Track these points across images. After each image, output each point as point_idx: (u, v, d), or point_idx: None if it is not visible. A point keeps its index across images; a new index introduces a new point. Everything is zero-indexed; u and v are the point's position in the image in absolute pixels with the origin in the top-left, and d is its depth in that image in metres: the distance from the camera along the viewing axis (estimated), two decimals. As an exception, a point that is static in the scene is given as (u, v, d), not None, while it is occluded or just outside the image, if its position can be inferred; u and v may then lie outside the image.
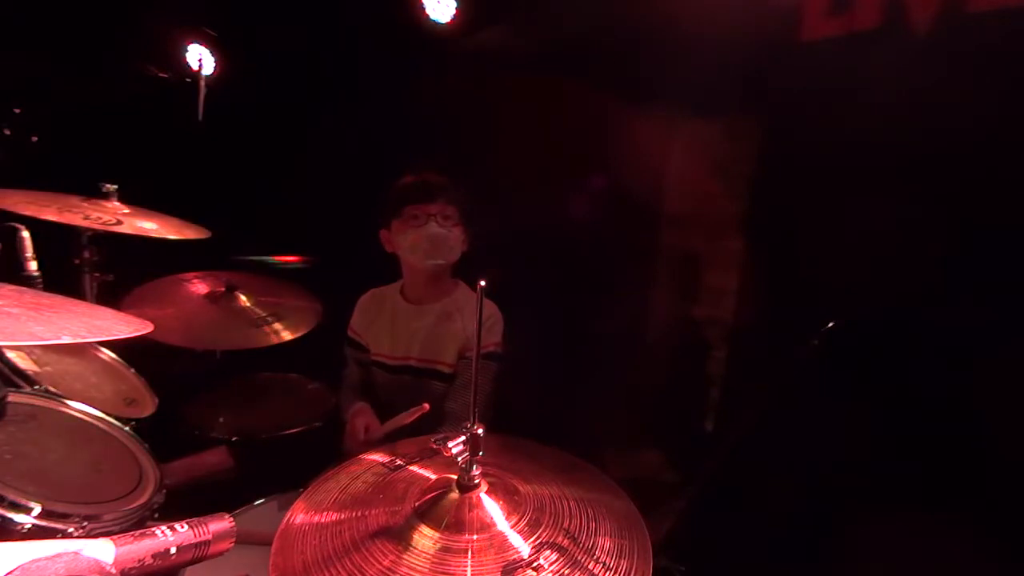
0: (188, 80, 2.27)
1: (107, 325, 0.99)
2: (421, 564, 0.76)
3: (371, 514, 0.85)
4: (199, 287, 1.94)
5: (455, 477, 0.87)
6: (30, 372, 1.36)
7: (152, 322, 1.08)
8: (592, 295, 1.96)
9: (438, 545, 0.79)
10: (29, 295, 1.02)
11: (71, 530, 1.01)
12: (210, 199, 2.16)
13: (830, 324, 1.31)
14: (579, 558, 0.78)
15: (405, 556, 0.77)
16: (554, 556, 0.78)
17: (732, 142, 1.64)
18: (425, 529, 0.81)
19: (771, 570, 1.51)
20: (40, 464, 1.12)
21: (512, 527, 0.82)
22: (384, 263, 1.84)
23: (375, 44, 2.38)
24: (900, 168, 1.31)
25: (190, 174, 2.44)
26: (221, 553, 0.65)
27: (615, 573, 0.77)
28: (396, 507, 0.86)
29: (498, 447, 0.97)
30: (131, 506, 1.13)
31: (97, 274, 1.75)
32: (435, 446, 0.84)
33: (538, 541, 0.80)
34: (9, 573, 0.49)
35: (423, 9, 2.11)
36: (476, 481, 0.86)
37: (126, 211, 1.67)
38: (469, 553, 0.78)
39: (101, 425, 1.30)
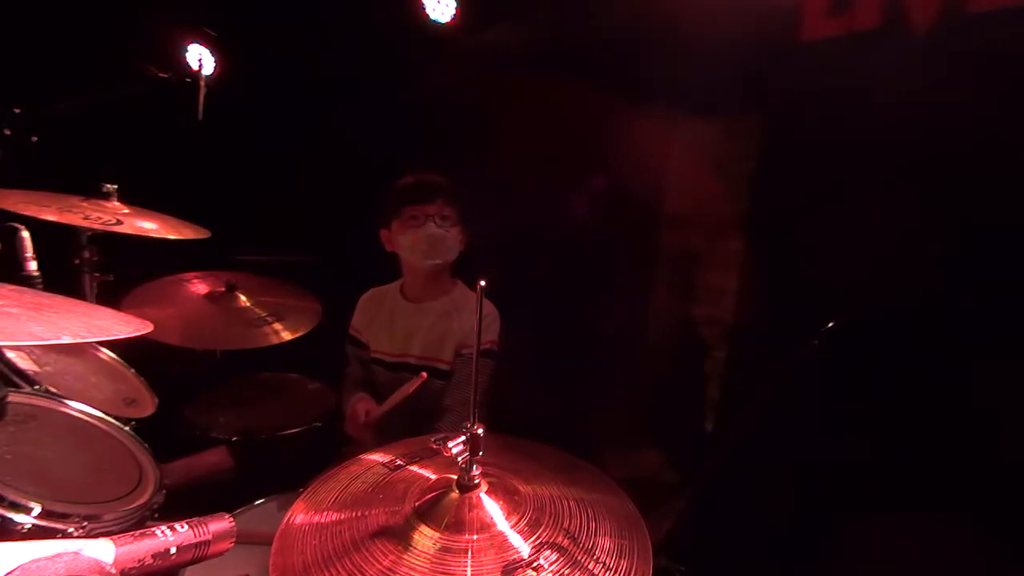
0: (188, 80, 2.27)
1: (107, 325, 0.99)
2: (421, 564, 0.76)
3: (371, 514, 0.85)
4: (199, 287, 1.94)
5: (455, 477, 0.87)
6: (30, 372, 1.36)
7: (152, 322, 1.08)
8: (592, 295, 1.96)
9: (438, 545, 0.79)
10: (29, 295, 1.02)
11: (71, 530, 1.01)
12: (210, 199, 2.16)
13: (830, 324, 1.31)
14: (579, 558, 0.78)
15: (405, 556, 0.77)
16: (554, 556, 0.78)
17: (732, 142, 1.64)
18: (425, 529, 0.81)
19: (771, 570, 1.51)
20: (40, 464, 1.12)
21: (512, 527, 0.82)
22: (384, 263, 1.85)
23: (375, 44, 2.38)
24: (900, 168, 1.31)
25: (190, 174, 2.43)
26: (221, 553, 0.65)
27: (615, 573, 0.77)
28: (396, 507, 0.86)
29: (498, 447, 0.97)
30: (131, 506, 1.13)
31: (97, 274, 1.75)
32: (435, 446, 0.84)
33: (538, 541, 0.80)
34: (9, 573, 0.49)
35: (423, 9, 2.11)
36: (476, 481, 0.86)
37: (126, 211, 1.67)
38: (469, 553, 0.78)
39: (101, 425, 1.30)
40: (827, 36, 1.39)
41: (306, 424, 1.87)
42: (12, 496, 0.98)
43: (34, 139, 1.86)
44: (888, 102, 1.29)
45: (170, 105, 2.31)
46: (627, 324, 1.88)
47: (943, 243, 1.24)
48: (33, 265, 1.46)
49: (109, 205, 1.67)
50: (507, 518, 0.83)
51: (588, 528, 0.84)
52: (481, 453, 0.85)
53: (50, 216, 1.47)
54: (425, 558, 0.77)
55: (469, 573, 0.75)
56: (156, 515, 1.20)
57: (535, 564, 0.76)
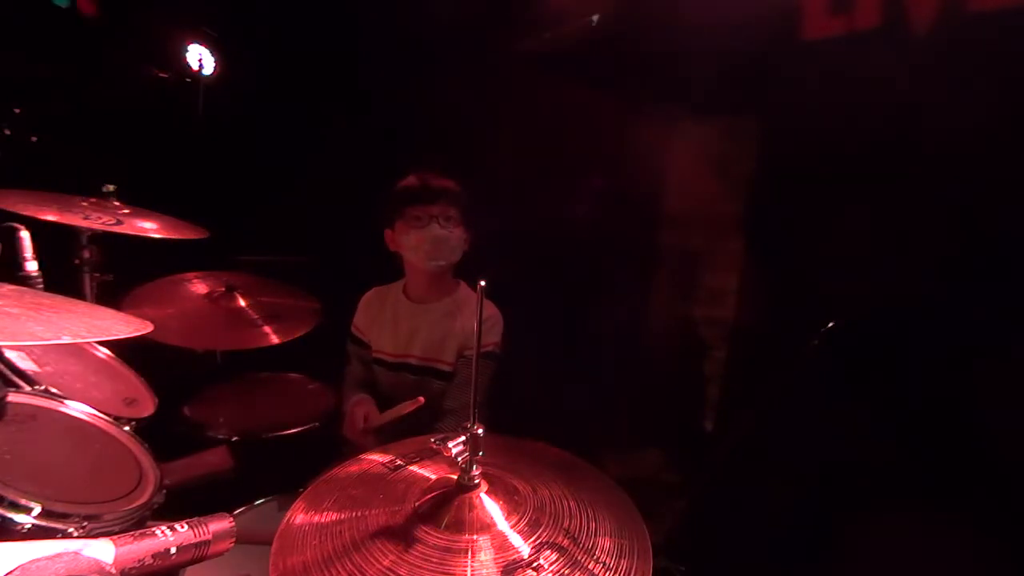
0: (188, 80, 2.27)
1: (107, 325, 0.99)
2: (421, 564, 0.76)
3: (371, 514, 0.85)
4: (199, 287, 1.94)
5: (455, 477, 0.87)
6: (30, 372, 1.36)
7: (152, 322, 1.08)
8: (592, 295, 1.96)
9: (438, 545, 0.79)
10: (29, 295, 1.02)
11: (71, 530, 1.01)
12: (210, 199, 2.16)
13: (830, 324, 1.31)
14: (579, 558, 0.78)
15: (405, 556, 0.77)
16: (554, 556, 0.78)
17: (732, 142, 1.64)
18: (425, 529, 0.81)
19: (771, 570, 1.51)
20: (40, 464, 1.12)
21: (512, 527, 0.82)
22: (384, 262, 1.84)
23: (375, 43, 2.38)
24: (900, 168, 1.31)
25: (190, 174, 2.44)
26: (221, 553, 0.65)
27: (615, 573, 0.77)
28: (396, 507, 0.86)
29: (498, 447, 0.97)
30: (131, 506, 1.12)
31: (97, 274, 1.75)
32: (435, 446, 0.84)
33: (538, 541, 0.80)
34: (9, 573, 0.49)
35: (423, 8, 2.11)
36: (476, 481, 0.86)
37: (126, 211, 1.67)
38: (469, 553, 0.78)
39: (101, 425, 1.30)
40: (827, 36, 1.39)
41: (306, 424, 1.87)
42: (12, 496, 0.98)
43: (34, 139, 1.86)
44: (888, 102, 1.29)
45: (170, 105, 2.32)
46: (627, 324, 1.88)
47: (943, 243, 1.24)
48: (33, 265, 1.46)
49: (109, 205, 1.67)
50: (507, 518, 0.83)
51: (588, 528, 0.84)
52: (481, 453, 0.85)
53: (50, 216, 1.47)
54: (425, 558, 0.77)
55: (469, 573, 0.75)
56: (155, 515, 1.20)
57: (535, 564, 0.76)
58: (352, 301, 1.94)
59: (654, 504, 1.01)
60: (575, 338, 1.99)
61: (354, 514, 0.85)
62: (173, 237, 1.69)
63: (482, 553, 0.78)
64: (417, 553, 0.78)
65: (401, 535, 0.81)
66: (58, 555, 0.53)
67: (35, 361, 1.41)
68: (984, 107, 1.18)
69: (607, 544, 0.82)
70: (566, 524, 0.84)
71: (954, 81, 1.20)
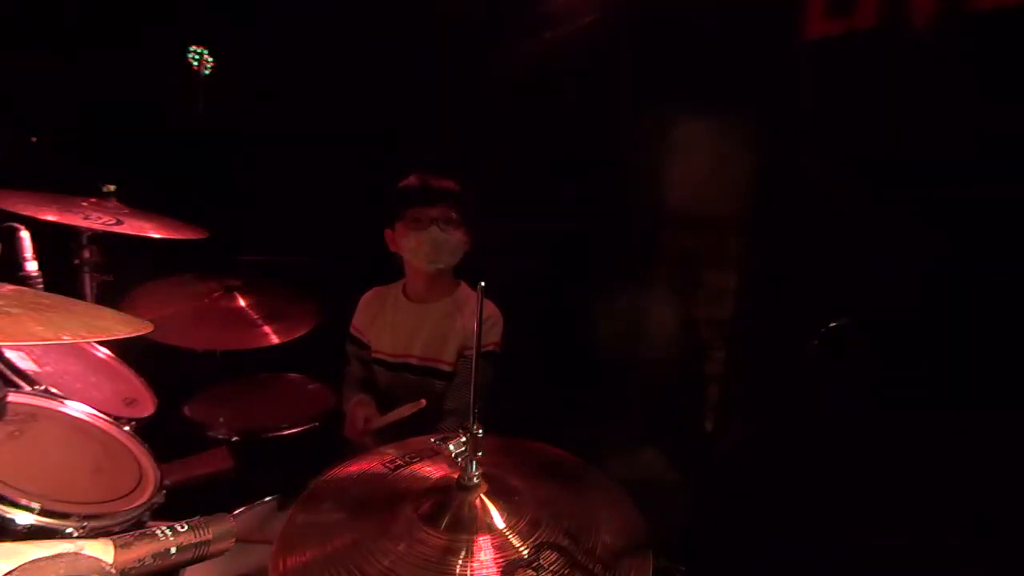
0: (188, 80, 2.27)
1: (107, 325, 0.99)
2: (421, 564, 0.76)
3: (371, 514, 0.85)
4: (199, 287, 1.94)
5: (455, 477, 0.87)
6: (30, 372, 1.36)
7: (152, 322, 1.08)
8: (592, 295, 1.96)
9: (438, 545, 0.79)
10: (29, 295, 1.02)
11: (71, 530, 1.01)
12: (210, 199, 2.16)
13: (830, 324, 1.31)
14: (579, 558, 0.78)
15: (405, 556, 0.77)
16: (554, 556, 0.78)
17: (732, 142, 1.64)
18: (425, 529, 0.81)
19: (771, 570, 1.51)
20: (40, 464, 1.12)
21: (512, 527, 0.82)
22: (384, 263, 1.84)
23: (375, 43, 2.38)
24: (900, 168, 1.31)
25: (190, 174, 2.43)
26: (221, 553, 0.65)
27: (615, 573, 0.77)
28: (396, 507, 0.86)
29: (498, 447, 0.97)
30: (131, 506, 1.12)
31: (97, 274, 1.75)
32: (435, 446, 0.85)
33: (538, 541, 0.80)
34: (9, 573, 0.49)
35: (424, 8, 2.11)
36: (476, 481, 0.86)
37: (126, 211, 1.68)
38: (469, 553, 0.78)
39: (101, 425, 1.30)
40: (827, 36, 1.39)
41: (306, 424, 1.87)
42: (12, 496, 0.98)
43: (34, 139, 1.87)
44: (888, 101, 1.29)
45: (170, 105, 2.32)
46: (627, 324, 1.88)
47: (944, 243, 1.24)
48: (33, 265, 1.46)
49: (109, 205, 1.67)
50: (507, 518, 0.83)
51: (588, 528, 0.84)
52: (481, 453, 0.86)
53: (50, 216, 1.47)
54: (425, 558, 0.77)
55: (469, 573, 0.75)
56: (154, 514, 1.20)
57: (535, 564, 0.76)
58: (352, 301, 1.94)
59: (654, 504, 1.01)
60: (575, 338, 1.99)
61: (354, 514, 0.85)
62: (173, 237, 1.69)
63: (482, 553, 0.78)
64: (417, 553, 0.78)
65: (401, 535, 0.81)
66: (58, 555, 0.52)
67: (35, 361, 1.41)
68: (984, 107, 1.18)
69: (607, 544, 0.82)
70: (566, 524, 0.84)
71: (954, 81, 1.20)
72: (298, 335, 1.88)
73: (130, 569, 0.57)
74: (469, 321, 1.74)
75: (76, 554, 0.54)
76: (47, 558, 0.52)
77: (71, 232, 1.68)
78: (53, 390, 1.32)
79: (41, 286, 1.45)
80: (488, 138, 2.10)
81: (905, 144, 1.29)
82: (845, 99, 1.36)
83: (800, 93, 1.46)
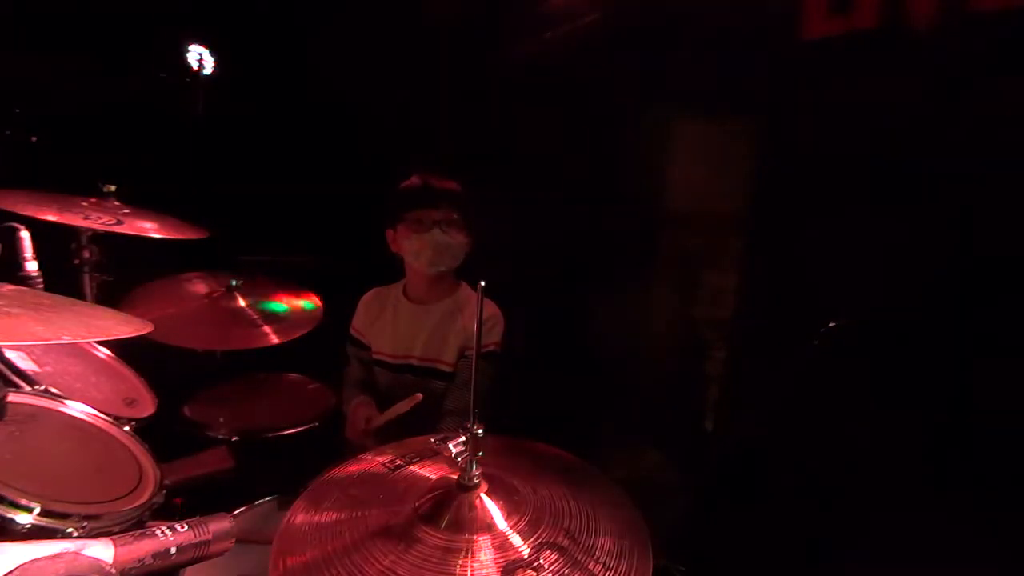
0: (188, 80, 2.27)
1: (107, 325, 0.99)
2: (421, 564, 0.76)
3: (371, 514, 0.85)
4: (199, 287, 1.94)
5: (455, 477, 0.87)
6: (30, 372, 1.36)
7: (152, 322, 1.08)
8: (593, 295, 1.96)
9: (438, 545, 0.79)
10: (29, 295, 1.02)
11: (71, 530, 1.01)
12: (210, 199, 2.16)
13: (830, 324, 1.31)
14: (579, 558, 0.78)
15: (405, 556, 0.77)
16: (554, 556, 0.78)
17: (732, 142, 1.64)
18: (425, 529, 0.81)
19: (771, 570, 1.51)
20: (40, 464, 1.12)
21: (512, 527, 0.82)
22: (384, 263, 1.84)
23: (376, 43, 2.38)
24: (900, 168, 1.31)
25: (190, 174, 2.44)
26: (221, 553, 0.65)
27: (615, 573, 0.77)
28: (396, 507, 0.86)
29: (498, 447, 0.97)
30: (131, 506, 1.12)
31: (97, 274, 1.75)
32: (435, 446, 0.85)
33: (538, 541, 0.80)
34: (9, 573, 0.49)
35: (424, 8, 2.11)
36: (476, 481, 0.86)
37: (126, 211, 1.67)
38: (469, 553, 0.78)
39: (101, 425, 1.30)
40: (827, 36, 1.39)
41: (306, 424, 1.87)
42: (12, 496, 0.98)
43: (34, 139, 1.87)
44: (888, 101, 1.29)
45: (170, 105, 2.32)
46: (627, 324, 1.88)
47: (943, 243, 1.24)
48: (33, 265, 1.46)
49: (109, 205, 1.67)
50: (507, 518, 0.83)
51: (588, 528, 0.84)
52: (481, 453, 0.86)
53: (50, 216, 1.47)
54: (425, 558, 0.77)
55: (469, 573, 0.75)
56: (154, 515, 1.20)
57: (535, 564, 0.76)
58: (352, 301, 1.94)
59: (654, 504, 1.01)
60: (575, 338, 1.99)
61: (354, 514, 0.86)
62: (173, 237, 1.68)
63: (482, 553, 0.78)
64: (417, 553, 0.78)
65: (401, 535, 0.81)
66: (58, 555, 0.53)
67: (35, 361, 1.41)
68: (984, 107, 1.18)
69: (607, 544, 0.82)
70: (566, 524, 0.84)
71: (953, 81, 1.20)
72: (298, 335, 1.88)
73: (130, 569, 0.57)
74: (470, 322, 1.74)
75: (76, 554, 0.54)
76: (47, 558, 0.52)
77: (71, 232, 1.68)
78: (53, 390, 1.32)
79: (41, 286, 1.45)
80: (488, 138, 2.10)
81: (905, 144, 1.29)
82: (845, 99, 1.36)
83: (800, 93, 1.46)
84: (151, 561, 0.58)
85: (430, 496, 0.87)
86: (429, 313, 1.79)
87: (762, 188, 1.60)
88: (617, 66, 1.81)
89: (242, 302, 1.92)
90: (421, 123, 2.31)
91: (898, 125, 1.28)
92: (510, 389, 1.74)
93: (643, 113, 1.75)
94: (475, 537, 0.80)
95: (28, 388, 1.29)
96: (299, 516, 0.86)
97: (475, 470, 0.86)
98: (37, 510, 0.99)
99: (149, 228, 1.65)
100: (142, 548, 0.58)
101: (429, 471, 0.95)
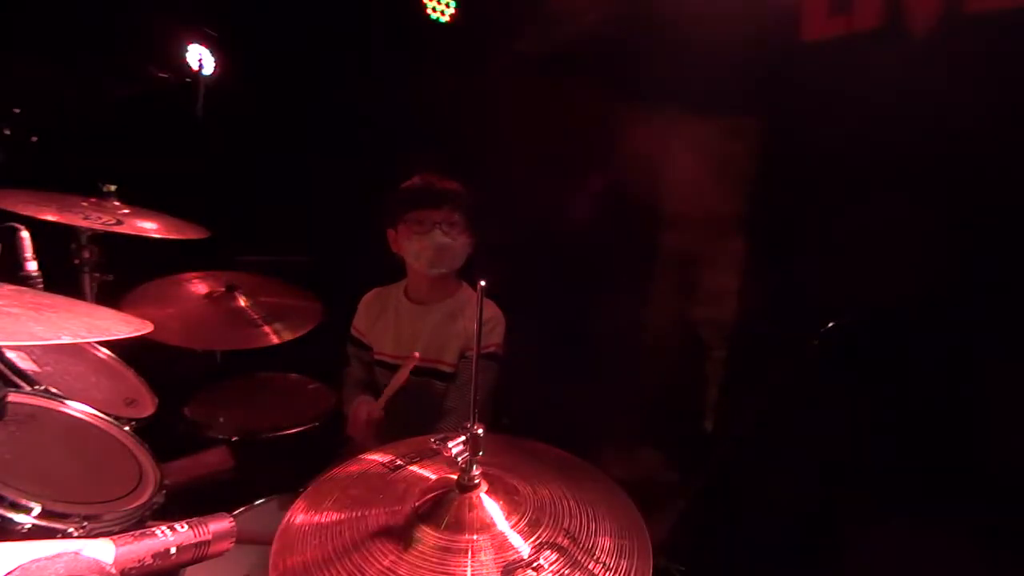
0: (188, 80, 2.27)
1: (107, 325, 0.99)
2: (421, 564, 0.76)
3: (371, 514, 0.85)
4: (199, 287, 1.94)
5: (455, 477, 0.87)
6: (30, 372, 1.36)
7: (152, 322, 1.08)
8: (592, 296, 1.96)
9: (438, 545, 0.79)
10: (29, 295, 1.02)
11: (71, 530, 1.01)
12: (210, 199, 2.16)
13: (830, 324, 1.31)
14: (579, 558, 0.78)
15: (405, 556, 0.77)
16: (554, 556, 0.78)
17: (732, 142, 1.64)
18: (425, 529, 0.81)
19: (771, 570, 1.51)
20: (40, 464, 1.12)
21: (512, 527, 0.82)
22: (384, 263, 1.84)
23: (376, 44, 2.38)
24: (900, 168, 1.31)
25: (190, 174, 2.44)
26: (221, 553, 0.65)
27: (615, 573, 0.77)
28: (396, 507, 0.86)
29: (498, 447, 0.97)
30: (131, 506, 1.12)
31: (97, 274, 1.75)
32: (435, 446, 0.85)
33: (538, 541, 0.80)
34: (9, 573, 0.49)
35: (424, 8, 2.11)
36: (476, 481, 0.86)
37: (126, 211, 1.67)
38: (469, 553, 0.78)
39: (101, 425, 1.30)
40: (827, 36, 1.39)
41: (306, 424, 1.87)
42: (12, 496, 0.98)
43: (34, 139, 1.87)
44: (888, 102, 1.29)
45: (170, 105, 2.32)
46: (627, 324, 1.88)
47: (943, 243, 1.24)
48: (33, 265, 1.46)
49: (109, 205, 1.67)
50: (507, 518, 0.83)
51: (588, 528, 0.84)
52: (481, 453, 0.85)
53: (50, 216, 1.47)
54: (425, 558, 0.77)
55: (469, 573, 0.75)
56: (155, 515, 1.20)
57: (535, 564, 0.76)
58: (352, 301, 1.94)
59: (654, 504, 1.01)
60: (575, 338, 1.99)
61: (354, 514, 0.85)
62: (173, 237, 1.68)
63: (482, 553, 0.78)
64: (417, 553, 0.78)
65: (401, 535, 0.81)
66: (58, 555, 0.53)
67: (35, 361, 1.41)
68: (984, 107, 1.18)
69: (607, 544, 0.82)
70: (566, 524, 0.84)
71: (953, 81, 1.20)
72: (299, 335, 1.88)
73: (130, 569, 0.57)
74: (471, 323, 1.74)
75: (76, 554, 0.54)
76: (47, 558, 0.52)
77: (71, 232, 1.68)
78: (53, 390, 1.32)
79: (41, 286, 1.45)
80: (488, 138, 2.10)
81: (905, 144, 1.29)
82: (845, 99, 1.36)
83: (800, 93, 1.46)
84: (151, 561, 0.58)
85: (430, 496, 0.87)
86: (430, 314, 1.79)
87: (762, 188, 1.60)
88: (618, 66, 1.81)
89: (242, 302, 1.92)
90: (422, 123, 2.31)
91: (898, 125, 1.28)
92: (510, 389, 1.74)
93: (643, 113, 1.75)
94: (475, 537, 0.80)
95: (28, 388, 1.29)
96: (299, 516, 0.86)
97: (475, 470, 0.86)
98: (37, 510, 0.99)
99: (149, 228, 1.65)
100: (142, 548, 0.58)
101: (429, 471, 0.95)
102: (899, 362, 1.32)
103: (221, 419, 1.85)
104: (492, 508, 0.84)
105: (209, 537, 0.63)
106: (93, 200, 1.66)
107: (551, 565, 0.76)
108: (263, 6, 2.55)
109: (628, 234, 1.89)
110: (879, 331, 1.33)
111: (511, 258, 1.82)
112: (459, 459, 0.84)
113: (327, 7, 2.44)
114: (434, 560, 0.77)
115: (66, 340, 0.86)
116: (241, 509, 1.44)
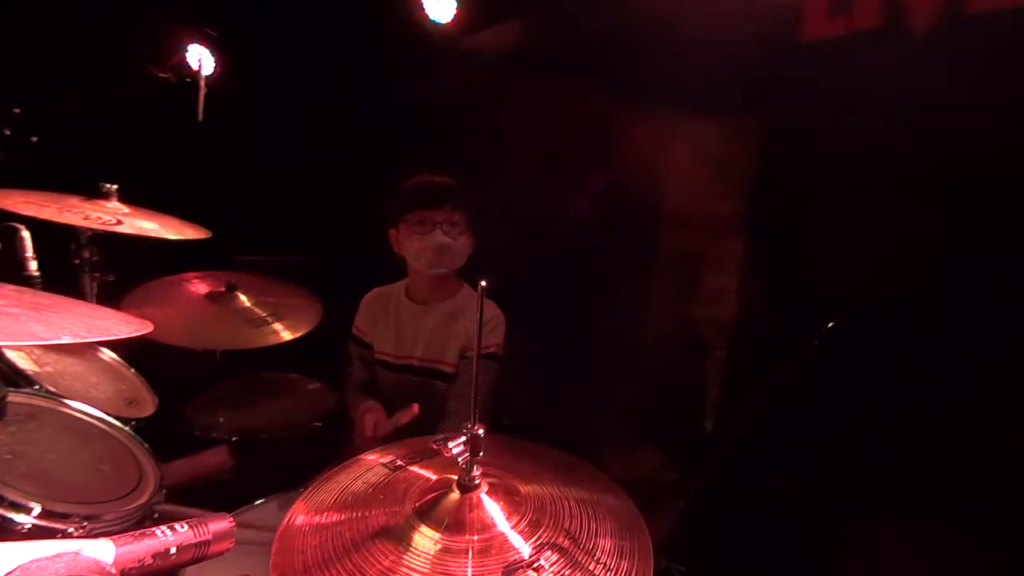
0: (188, 80, 2.27)
1: (107, 325, 0.99)
2: (421, 564, 0.76)
3: (371, 514, 0.85)
4: (199, 287, 1.94)
5: (455, 477, 0.87)
6: (30, 372, 1.36)
7: (152, 322, 1.08)
8: (592, 296, 1.96)
9: (438, 546, 0.79)
10: (29, 295, 1.02)
11: (71, 530, 1.01)
12: (210, 199, 2.16)
13: (830, 324, 1.31)
14: (579, 559, 0.78)
15: (405, 556, 0.77)
16: (554, 557, 0.78)
17: (732, 142, 1.64)
18: (425, 529, 0.81)
19: (771, 570, 1.51)
20: (40, 464, 1.12)
21: (512, 528, 0.82)
22: (385, 263, 1.84)
23: (376, 44, 2.38)
24: (900, 168, 1.31)
25: (190, 174, 2.43)
26: (221, 553, 0.65)
27: (615, 574, 0.77)
28: (396, 507, 0.86)
29: (498, 447, 0.97)
30: (131, 506, 1.12)
31: (97, 274, 1.75)
32: (435, 446, 0.84)
33: (538, 542, 0.80)
34: (9, 573, 0.49)
35: (423, 9, 2.11)
36: (476, 481, 0.86)
37: (126, 211, 1.67)
38: (469, 553, 0.78)
39: (101, 425, 1.30)
40: (827, 36, 1.39)
41: (306, 424, 1.87)
42: (12, 496, 0.98)
43: (34, 139, 1.86)
44: (888, 102, 1.29)
45: (170, 105, 2.31)
46: (627, 324, 1.88)
47: (943, 243, 1.24)
48: (33, 265, 1.46)
49: (109, 205, 1.67)
50: (507, 518, 0.83)
51: (588, 528, 0.84)
52: (481, 454, 0.85)
53: (50, 216, 1.47)
54: (425, 558, 0.77)
55: (469, 573, 0.75)
56: (156, 515, 1.20)
57: (535, 565, 0.76)
58: (352, 301, 1.94)
59: (654, 504, 1.01)
60: (577, 339, 1.99)
61: (354, 514, 0.85)
62: (173, 237, 1.68)
63: (482, 553, 0.78)
64: (417, 553, 0.78)
65: (401, 535, 0.81)
66: (58, 555, 0.52)
67: (35, 361, 1.41)
68: (984, 107, 1.18)
69: (607, 544, 0.82)
70: (566, 524, 0.84)
71: (954, 81, 1.20)
72: (299, 335, 1.88)
73: (130, 569, 0.57)
74: (471, 323, 1.74)
75: (76, 554, 0.53)
76: (47, 558, 0.52)
77: (71, 232, 1.68)
78: (53, 390, 1.32)
79: (41, 286, 1.45)
80: (489, 138, 2.10)
81: (905, 144, 1.29)
82: (845, 99, 1.36)
83: (800, 93, 1.46)
84: (151, 561, 0.58)
85: (430, 496, 0.87)
86: (431, 314, 1.79)
87: (762, 188, 1.60)
88: (618, 66, 1.81)
89: (242, 302, 1.92)
90: (422, 123, 2.31)
91: (898, 125, 1.28)
92: (510, 389, 1.74)
93: (643, 113, 1.75)
94: (475, 537, 0.80)
95: (28, 388, 1.29)
96: (299, 516, 0.86)
97: (475, 470, 0.86)
98: (37, 510, 0.99)
99: (149, 228, 1.65)
100: (142, 548, 0.58)
101: (429, 471, 0.95)
102: (899, 362, 1.32)
103: (221, 419, 1.85)
104: (492, 508, 0.84)
105: (209, 537, 0.63)
106: (93, 200, 1.66)
107: (552, 566, 0.76)
108: (263, 6, 2.55)
109: (628, 234, 1.89)
110: (879, 331, 1.33)
111: (512, 258, 1.82)
112: (459, 459, 0.84)
113: (327, 7, 2.44)
114: (434, 560, 0.77)
115: (66, 340, 0.86)
116: (241, 509, 1.43)
